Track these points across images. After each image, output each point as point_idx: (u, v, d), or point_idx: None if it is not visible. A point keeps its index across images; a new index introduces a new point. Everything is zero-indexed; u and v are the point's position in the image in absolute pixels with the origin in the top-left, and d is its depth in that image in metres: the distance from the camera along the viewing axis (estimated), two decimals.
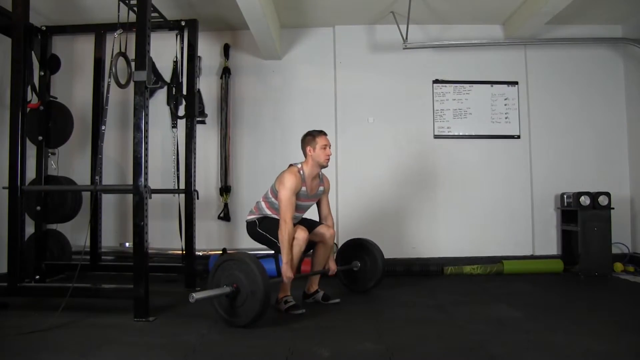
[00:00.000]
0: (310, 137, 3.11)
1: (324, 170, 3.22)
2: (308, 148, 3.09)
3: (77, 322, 2.74)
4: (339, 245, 3.65)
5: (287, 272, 2.88)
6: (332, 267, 3.32)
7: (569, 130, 4.75)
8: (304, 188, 3.05)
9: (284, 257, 2.89)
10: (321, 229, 3.19)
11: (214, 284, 2.72)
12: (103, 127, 3.24)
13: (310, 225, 3.16)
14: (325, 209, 3.32)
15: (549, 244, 4.69)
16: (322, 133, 3.12)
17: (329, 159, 3.10)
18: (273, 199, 3.08)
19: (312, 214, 3.31)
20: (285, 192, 2.94)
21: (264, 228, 3.10)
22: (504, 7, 4.42)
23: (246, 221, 3.20)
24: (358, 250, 3.60)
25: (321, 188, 3.22)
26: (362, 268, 3.58)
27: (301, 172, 3.06)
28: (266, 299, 2.56)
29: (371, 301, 3.36)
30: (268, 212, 3.12)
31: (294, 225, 2.98)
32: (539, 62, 4.79)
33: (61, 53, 4.03)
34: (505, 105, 4.77)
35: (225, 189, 4.69)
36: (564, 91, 4.78)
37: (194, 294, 2.48)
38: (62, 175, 3.93)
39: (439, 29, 4.76)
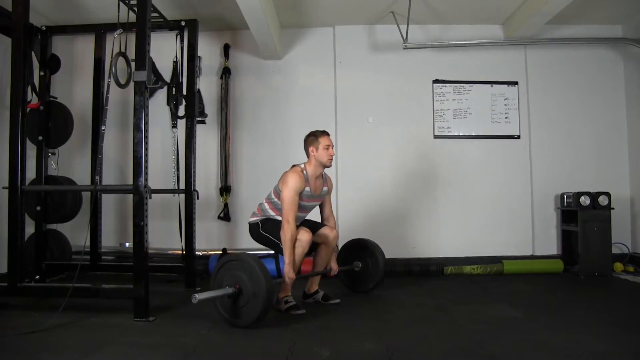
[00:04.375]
0: (312, 137, 3.11)
1: (326, 171, 3.22)
2: (311, 148, 3.09)
3: (77, 322, 2.74)
4: (339, 247, 3.64)
5: (289, 273, 2.88)
6: (334, 266, 3.32)
7: (569, 130, 4.76)
8: (307, 188, 3.04)
9: (287, 257, 2.89)
10: (324, 230, 3.18)
11: (216, 284, 2.72)
12: (103, 127, 3.24)
13: (313, 226, 3.16)
14: (327, 210, 3.32)
15: (549, 244, 4.69)
16: (324, 133, 3.12)
17: (332, 159, 3.10)
18: (276, 200, 3.08)
19: (314, 215, 3.31)
20: (289, 192, 2.94)
21: (267, 230, 3.09)
22: (504, 7, 4.42)
23: (249, 223, 3.20)
24: (359, 250, 3.59)
25: (325, 188, 3.22)
26: (363, 268, 3.56)
27: (304, 172, 3.06)
28: (269, 301, 2.56)
29: (371, 301, 3.36)
30: (271, 213, 3.11)
31: (297, 226, 2.98)
32: (539, 62, 4.79)
33: (61, 53, 4.04)
34: (505, 105, 4.77)
35: (225, 189, 4.69)
36: (564, 91, 4.78)
37: (196, 295, 2.48)
38: (62, 175, 3.93)
39: (439, 29, 4.76)
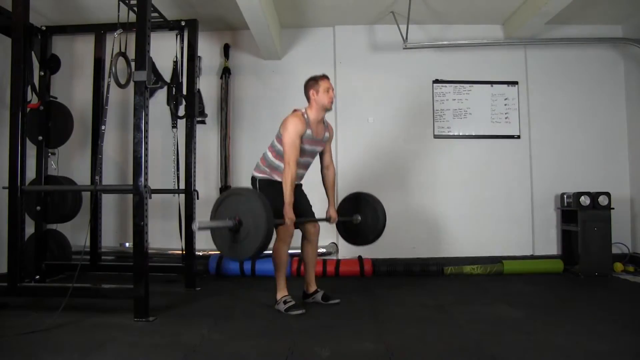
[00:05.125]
0: (313, 81, 3.13)
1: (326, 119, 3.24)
2: (311, 92, 3.11)
3: (77, 322, 2.74)
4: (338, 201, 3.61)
5: (288, 213, 2.89)
6: (333, 215, 3.30)
7: (569, 130, 4.76)
8: (309, 131, 3.05)
9: (287, 198, 2.90)
10: (307, 226, 3.21)
11: (216, 219, 2.68)
12: (103, 127, 3.24)
13: (303, 209, 3.17)
14: (327, 158, 3.32)
15: (549, 244, 4.69)
16: (324, 76, 3.14)
17: (332, 102, 3.12)
18: (279, 146, 3.06)
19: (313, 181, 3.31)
20: (289, 135, 2.95)
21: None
22: (504, 7, 4.43)
23: (252, 176, 3.18)
24: (360, 203, 3.50)
25: (326, 134, 3.23)
26: (362, 221, 3.46)
27: (305, 115, 3.07)
28: (269, 230, 2.52)
29: (371, 301, 3.36)
30: (275, 162, 3.07)
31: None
32: (539, 62, 4.79)
33: (61, 53, 4.04)
34: (505, 105, 4.77)
35: (225, 189, 4.68)
36: (564, 91, 4.78)
37: (197, 222, 2.45)
38: (62, 175, 3.93)
39: (439, 29, 4.76)
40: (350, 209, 3.51)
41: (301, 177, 3.23)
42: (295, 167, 2.94)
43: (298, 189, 3.22)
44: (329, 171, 3.33)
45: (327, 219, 3.30)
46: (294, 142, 2.94)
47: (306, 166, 3.20)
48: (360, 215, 3.47)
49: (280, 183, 3.00)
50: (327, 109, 3.12)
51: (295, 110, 3.11)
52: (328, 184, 3.33)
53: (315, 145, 3.16)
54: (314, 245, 3.26)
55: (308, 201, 3.30)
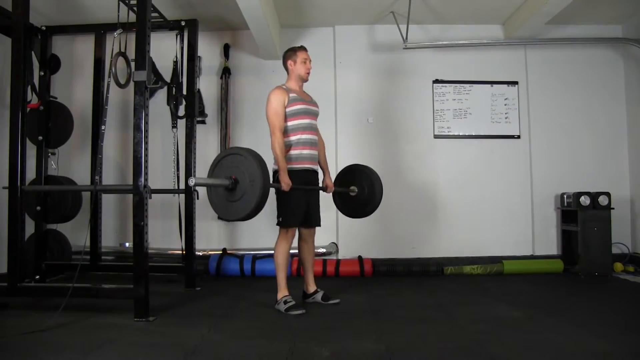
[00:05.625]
0: (291, 52, 3.20)
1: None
2: (289, 62, 3.18)
3: (77, 322, 2.74)
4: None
5: (284, 179, 2.90)
6: (329, 184, 3.31)
7: (569, 130, 4.76)
8: (293, 94, 3.08)
9: (279, 164, 2.93)
10: (303, 228, 3.21)
11: (213, 177, 2.68)
12: (103, 127, 3.24)
13: (311, 210, 3.16)
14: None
15: (549, 244, 4.70)
16: (302, 48, 3.22)
17: (309, 73, 3.19)
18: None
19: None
20: (271, 105, 3.02)
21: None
22: (504, 7, 4.43)
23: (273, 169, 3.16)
24: (355, 175, 3.48)
25: (315, 105, 3.24)
26: (359, 193, 3.43)
27: (284, 87, 3.13)
28: (265, 187, 2.51)
29: (371, 301, 3.36)
30: (291, 139, 3.06)
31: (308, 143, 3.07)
32: (539, 62, 4.79)
33: (61, 53, 4.04)
34: (505, 105, 4.77)
35: None
36: (564, 91, 4.79)
37: (193, 178, 2.44)
38: (62, 175, 3.93)
39: (439, 29, 4.76)
40: (346, 181, 3.49)
41: (314, 143, 3.15)
42: (280, 134, 2.98)
43: (312, 174, 3.19)
44: (319, 144, 3.31)
45: (323, 188, 3.29)
46: (275, 110, 3.00)
47: (313, 128, 3.16)
48: (357, 187, 3.44)
49: (295, 171, 3.01)
50: (303, 80, 3.19)
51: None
52: (320, 154, 3.31)
53: (309, 105, 3.16)
54: (310, 245, 3.27)
55: (318, 202, 3.25)
